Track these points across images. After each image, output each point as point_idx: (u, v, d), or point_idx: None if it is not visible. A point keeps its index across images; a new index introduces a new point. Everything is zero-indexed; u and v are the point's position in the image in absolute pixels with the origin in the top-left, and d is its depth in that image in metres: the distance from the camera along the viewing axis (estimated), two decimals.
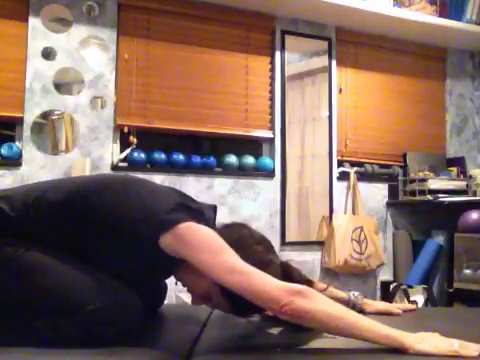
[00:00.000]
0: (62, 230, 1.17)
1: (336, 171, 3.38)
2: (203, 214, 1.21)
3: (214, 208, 1.32)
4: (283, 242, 3.17)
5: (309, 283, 1.16)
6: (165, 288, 1.50)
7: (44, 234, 1.17)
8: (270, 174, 3.21)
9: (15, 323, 1.10)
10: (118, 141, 2.93)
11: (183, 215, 1.12)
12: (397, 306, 1.51)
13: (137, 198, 1.17)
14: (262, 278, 1.03)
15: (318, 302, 1.02)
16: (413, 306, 1.56)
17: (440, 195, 3.15)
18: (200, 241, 1.08)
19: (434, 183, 3.27)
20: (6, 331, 1.09)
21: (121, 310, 1.09)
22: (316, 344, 1.11)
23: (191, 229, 1.09)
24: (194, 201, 1.26)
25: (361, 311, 1.39)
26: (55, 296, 1.09)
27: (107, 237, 1.15)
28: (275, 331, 1.25)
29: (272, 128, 3.25)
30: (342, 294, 1.44)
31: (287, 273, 1.17)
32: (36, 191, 1.21)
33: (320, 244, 3.27)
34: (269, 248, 1.25)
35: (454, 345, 0.96)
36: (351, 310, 1.07)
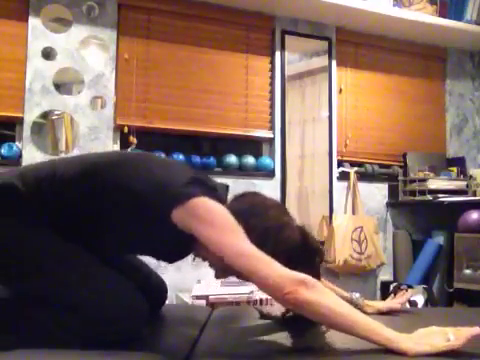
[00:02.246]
0: (75, 207, 1.16)
1: (336, 171, 3.37)
2: (216, 191, 1.20)
3: (226, 187, 1.31)
4: None
5: (321, 250, 1.24)
6: (165, 289, 1.50)
7: (56, 212, 1.15)
8: (270, 174, 3.21)
9: (20, 311, 1.10)
10: (118, 141, 2.93)
11: (198, 190, 1.11)
12: (396, 301, 1.51)
13: (150, 172, 1.16)
14: (268, 264, 1.03)
15: (322, 295, 1.02)
16: (407, 294, 1.57)
17: (440, 195, 3.15)
18: (212, 218, 1.07)
19: (434, 183, 3.27)
20: (8, 321, 1.08)
21: (126, 310, 1.09)
22: (316, 346, 1.11)
23: (205, 204, 1.09)
24: (208, 178, 1.25)
25: (362, 312, 1.40)
26: (60, 287, 1.09)
27: (120, 212, 1.14)
28: (275, 333, 1.25)
29: (272, 128, 3.25)
30: (345, 294, 1.44)
31: (304, 235, 1.20)
32: (48, 168, 1.21)
33: (320, 244, 3.26)
34: (283, 211, 1.26)
35: (449, 336, 0.96)
36: (354, 308, 1.07)
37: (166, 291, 1.50)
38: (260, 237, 1.13)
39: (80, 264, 1.13)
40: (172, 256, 1.31)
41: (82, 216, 1.16)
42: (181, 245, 1.20)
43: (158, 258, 1.29)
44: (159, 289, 1.47)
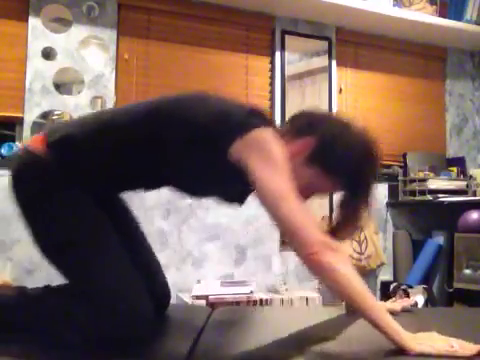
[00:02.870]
0: (138, 148, 1.18)
1: None
2: (274, 125, 1.20)
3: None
4: (283, 242, 3.16)
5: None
6: (169, 293, 1.49)
7: (119, 157, 1.19)
8: None
9: (24, 308, 1.11)
10: None
11: (258, 121, 1.11)
12: (397, 303, 1.52)
13: (211, 105, 1.17)
14: (307, 220, 1.02)
15: (346, 266, 1.01)
16: (411, 301, 1.57)
17: (440, 195, 3.15)
18: (268, 154, 1.06)
19: (434, 183, 3.27)
20: (9, 321, 1.09)
21: (130, 314, 1.09)
22: (316, 348, 1.11)
23: (264, 137, 1.08)
24: (265, 112, 1.25)
25: None
26: (82, 269, 1.11)
27: (182, 147, 1.15)
28: (275, 333, 1.25)
29: None
30: None
31: (368, 139, 1.22)
32: (109, 114, 1.28)
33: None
34: (343, 118, 1.24)
35: (452, 344, 0.97)
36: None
37: (169, 295, 1.49)
38: (328, 144, 1.13)
39: (107, 249, 1.14)
40: (235, 194, 1.29)
41: (145, 157, 1.18)
42: (241, 181, 1.15)
43: (221, 197, 1.28)
44: (163, 292, 1.46)
